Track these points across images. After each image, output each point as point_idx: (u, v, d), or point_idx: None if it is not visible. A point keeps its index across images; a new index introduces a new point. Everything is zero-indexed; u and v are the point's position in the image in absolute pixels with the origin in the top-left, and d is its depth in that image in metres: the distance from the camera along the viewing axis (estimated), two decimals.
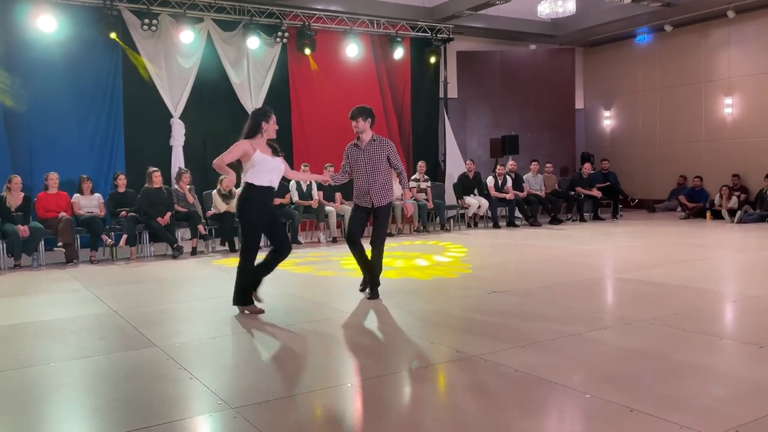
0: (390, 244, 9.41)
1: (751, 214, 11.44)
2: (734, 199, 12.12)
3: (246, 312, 5.06)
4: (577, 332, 4.22)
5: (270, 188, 5.03)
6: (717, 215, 12.17)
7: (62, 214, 8.32)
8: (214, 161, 4.98)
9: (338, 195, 10.43)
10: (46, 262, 8.29)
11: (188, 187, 9.36)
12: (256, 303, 5.12)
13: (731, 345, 3.98)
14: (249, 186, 4.96)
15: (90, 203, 8.78)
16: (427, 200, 11.15)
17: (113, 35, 9.92)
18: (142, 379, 3.56)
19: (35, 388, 3.48)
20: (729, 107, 13.08)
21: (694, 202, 12.80)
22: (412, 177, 11.44)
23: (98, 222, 8.55)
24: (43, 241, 8.32)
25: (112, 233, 8.65)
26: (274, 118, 5.10)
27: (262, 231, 5.16)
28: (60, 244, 8.31)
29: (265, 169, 4.96)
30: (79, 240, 8.49)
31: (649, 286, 5.77)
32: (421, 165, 11.41)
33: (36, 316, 5.28)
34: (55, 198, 8.53)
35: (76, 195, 8.78)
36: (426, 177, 11.55)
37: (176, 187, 9.32)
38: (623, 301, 5.50)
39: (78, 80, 9.93)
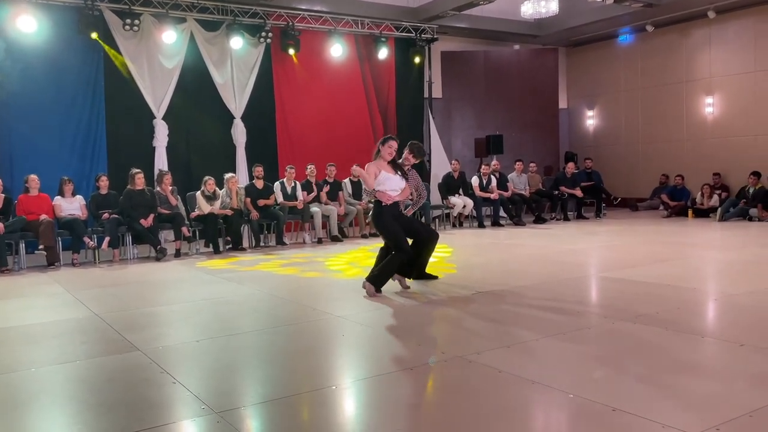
0: (375, 244, 9.41)
1: (732, 212, 11.56)
2: (715, 197, 12.27)
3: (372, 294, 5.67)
4: (560, 332, 4.24)
5: (396, 204, 5.76)
6: (699, 213, 12.30)
7: (43, 216, 8.22)
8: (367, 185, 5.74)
9: (323, 195, 10.43)
10: (27, 266, 8.20)
11: (170, 188, 9.29)
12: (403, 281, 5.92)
13: (712, 343, 4.02)
14: (377, 203, 5.71)
15: (71, 205, 8.68)
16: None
17: (94, 35, 9.83)
18: (125, 384, 3.53)
19: (15, 394, 3.44)
20: (710, 107, 13.24)
21: (676, 201, 12.93)
22: None
23: (80, 224, 8.46)
24: (23, 244, 8.22)
25: (94, 235, 8.56)
26: (390, 143, 5.79)
27: (401, 231, 5.74)
28: (41, 247, 8.21)
29: (389, 187, 5.69)
30: (60, 243, 8.39)
31: (632, 285, 5.81)
32: None
33: (16, 320, 5.21)
34: (36, 200, 8.42)
35: (58, 197, 8.68)
36: None
37: (158, 189, 9.24)
38: (606, 300, 5.54)
39: (59, 81, 9.82)
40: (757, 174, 11.66)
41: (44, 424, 3.07)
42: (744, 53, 12.61)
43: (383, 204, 5.70)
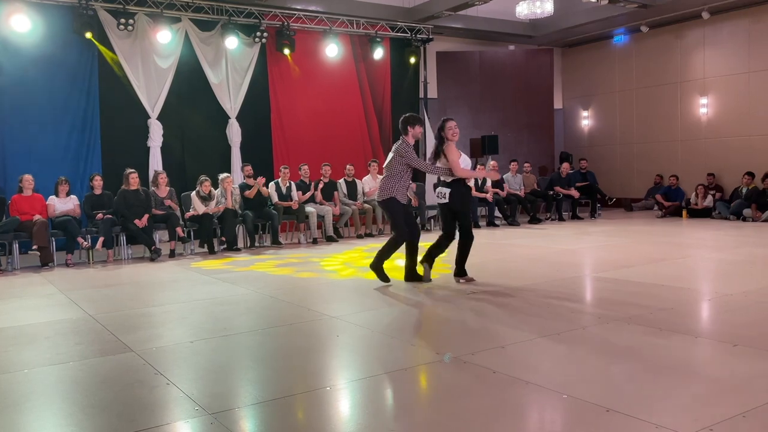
0: (371, 245, 9.44)
1: (731, 209, 11.60)
2: (709, 197, 12.31)
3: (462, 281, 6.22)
4: (555, 332, 4.25)
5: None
6: (693, 214, 12.34)
7: (37, 216, 8.19)
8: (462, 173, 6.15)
9: (318, 194, 10.40)
10: (21, 266, 8.16)
11: (168, 189, 9.22)
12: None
13: (706, 343, 4.03)
14: (460, 182, 6.19)
15: (65, 205, 8.65)
16: (410, 200, 11.15)
17: (89, 35, 9.80)
18: (118, 385, 3.52)
19: (8, 396, 3.42)
20: (704, 107, 13.28)
21: (670, 201, 12.97)
22: None
23: (74, 224, 8.42)
24: (17, 245, 8.18)
25: (89, 236, 8.53)
26: (450, 123, 6.46)
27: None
28: (35, 247, 8.17)
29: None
30: (54, 243, 8.35)
31: (627, 285, 5.83)
32: None
33: (9, 321, 5.18)
34: (30, 200, 8.38)
35: (52, 197, 8.64)
36: None
37: (153, 189, 9.19)
38: (601, 301, 5.55)
39: (53, 81, 9.79)
40: (750, 174, 11.71)
41: (37, 425, 3.06)
42: (738, 54, 12.65)
43: (465, 184, 6.22)
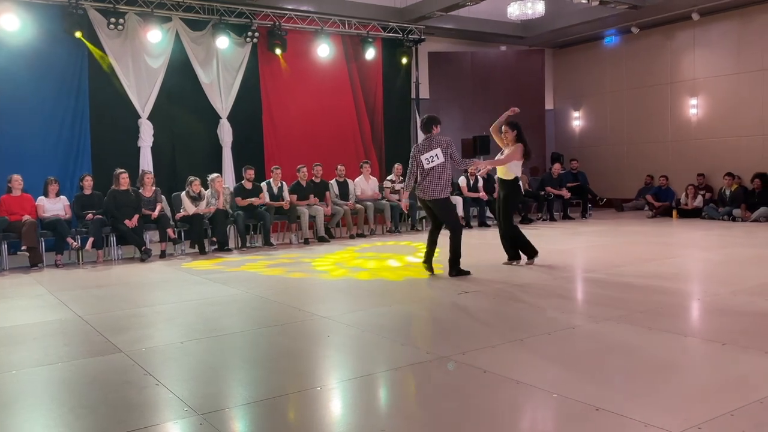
0: (362, 245, 9.44)
1: (721, 213, 11.67)
2: (699, 198, 12.39)
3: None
4: (545, 332, 4.26)
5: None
6: (683, 214, 12.41)
7: (26, 217, 8.13)
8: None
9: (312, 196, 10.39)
10: (10, 267, 8.10)
11: (153, 189, 9.14)
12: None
13: (695, 343, 4.05)
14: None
15: (55, 206, 8.58)
16: (400, 201, 11.15)
17: (78, 34, 9.74)
18: (107, 386, 3.50)
19: None
20: (694, 108, 13.36)
21: (660, 201, 13.03)
22: (387, 178, 11.51)
23: (63, 225, 8.36)
24: (6, 245, 8.12)
25: (78, 236, 8.47)
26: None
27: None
28: (24, 247, 8.11)
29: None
30: (43, 243, 8.29)
31: (617, 285, 5.85)
32: (398, 167, 11.34)
33: None
34: (19, 200, 8.32)
35: (41, 197, 8.57)
36: (401, 178, 11.54)
37: (140, 189, 9.12)
38: (591, 300, 5.57)
39: (42, 80, 9.72)
40: (731, 175, 11.81)
41: (26, 426, 3.04)
42: (727, 55, 12.73)
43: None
